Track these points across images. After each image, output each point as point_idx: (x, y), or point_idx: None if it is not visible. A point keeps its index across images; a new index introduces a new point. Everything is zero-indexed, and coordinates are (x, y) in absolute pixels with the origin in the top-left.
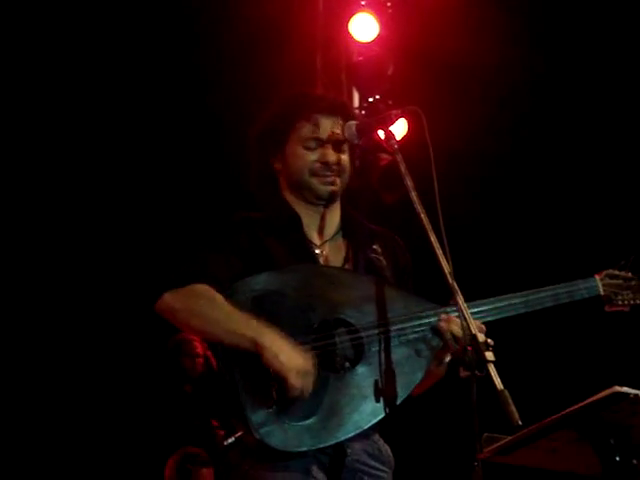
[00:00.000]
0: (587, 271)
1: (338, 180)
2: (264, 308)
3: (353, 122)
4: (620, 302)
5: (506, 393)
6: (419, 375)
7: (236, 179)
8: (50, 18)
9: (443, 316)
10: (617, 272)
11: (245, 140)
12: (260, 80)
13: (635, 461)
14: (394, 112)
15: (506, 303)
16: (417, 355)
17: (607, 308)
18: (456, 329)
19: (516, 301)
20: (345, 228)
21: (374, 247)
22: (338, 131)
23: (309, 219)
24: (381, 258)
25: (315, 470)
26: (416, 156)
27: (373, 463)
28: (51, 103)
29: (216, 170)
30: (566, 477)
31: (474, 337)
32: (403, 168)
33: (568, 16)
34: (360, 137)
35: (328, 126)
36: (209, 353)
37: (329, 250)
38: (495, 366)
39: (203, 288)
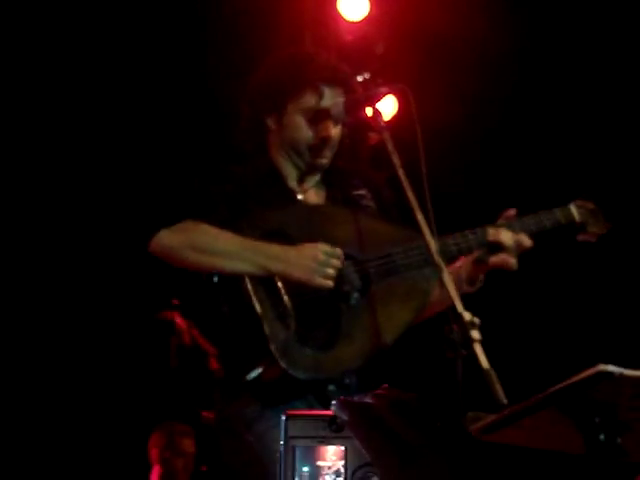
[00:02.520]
0: None
1: (330, 153)
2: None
3: (341, 99)
4: (590, 231)
5: (492, 372)
6: (424, 301)
7: (227, 155)
8: (55, 18)
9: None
10: (583, 202)
11: (239, 90)
12: (248, 58)
13: (619, 440)
14: (382, 90)
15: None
16: (420, 283)
17: (580, 237)
18: (507, 238)
19: (501, 223)
20: (325, 175)
21: (354, 183)
22: (339, 103)
23: (291, 171)
24: (362, 193)
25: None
26: (405, 134)
27: None
28: (51, 97)
29: (207, 148)
30: (551, 455)
31: (460, 316)
32: (390, 146)
33: None
34: (348, 114)
35: (330, 97)
36: (195, 332)
37: (311, 196)
38: (481, 345)
39: (201, 223)
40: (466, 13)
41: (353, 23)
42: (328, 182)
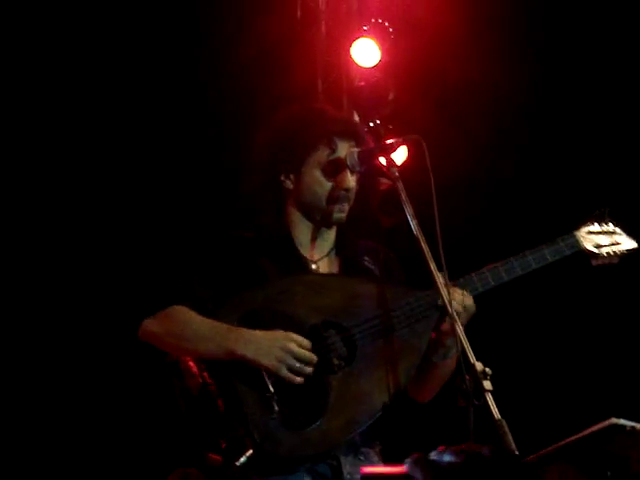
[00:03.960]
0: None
1: (348, 206)
2: (252, 326)
3: (355, 149)
4: (606, 255)
5: (503, 422)
6: (415, 360)
7: (235, 198)
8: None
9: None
10: (596, 225)
11: (250, 145)
12: (261, 102)
13: None
14: (396, 140)
15: (490, 273)
16: (411, 340)
17: (593, 263)
18: (457, 300)
19: (501, 269)
20: (338, 245)
21: (366, 259)
22: (354, 153)
23: (307, 237)
24: (373, 267)
25: None
26: (415, 182)
27: None
28: (61, 108)
29: (216, 189)
30: None
31: (472, 366)
32: (404, 195)
33: (571, 41)
34: (362, 164)
35: (343, 149)
36: (205, 374)
37: (324, 266)
38: (492, 395)
39: (181, 309)
40: (478, 61)
41: (365, 69)
42: (342, 253)
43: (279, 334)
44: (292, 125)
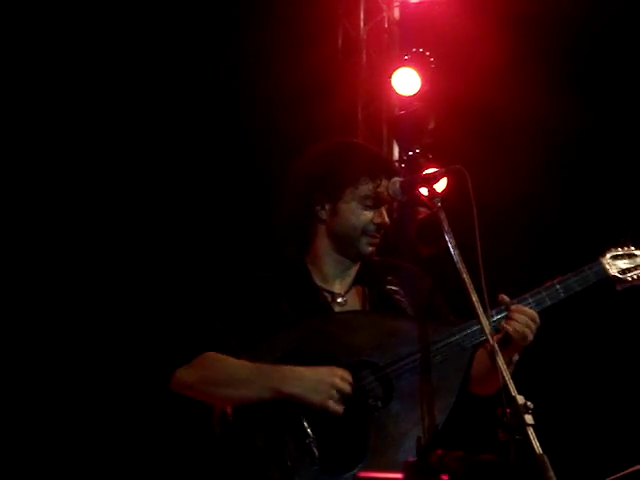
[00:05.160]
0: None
1: (378, 242)
2: None
3: (397, 179)
4: (631, 279)
5: (545, 458)
6: (451, 398)
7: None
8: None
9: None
10: (621, 250)
11: (287, 176)
12: (302, 131)
13: None
14: (439, 170)
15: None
16: (447, 378)
17: (619, 287)
18: (520, 325)
19: (530, 300)
20: (362, 273)
21: (389, 279)
22: (396, 182)
23: (332, 270)
24: (397, 288)
25: None
26: (454, 212)
27: None
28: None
29: (256, 219)
30: None
31: (513, 399)
32: (446, 226)
33: (614, 67)
34: (404, 194)
35: (384, 186)
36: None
37: (350, 299)
38: (534, 429)
39: (213, 355)
40: (519, 90)
41: (406, 98)
42: (363, 279)
43: (323, 370)
44: (333, 156)
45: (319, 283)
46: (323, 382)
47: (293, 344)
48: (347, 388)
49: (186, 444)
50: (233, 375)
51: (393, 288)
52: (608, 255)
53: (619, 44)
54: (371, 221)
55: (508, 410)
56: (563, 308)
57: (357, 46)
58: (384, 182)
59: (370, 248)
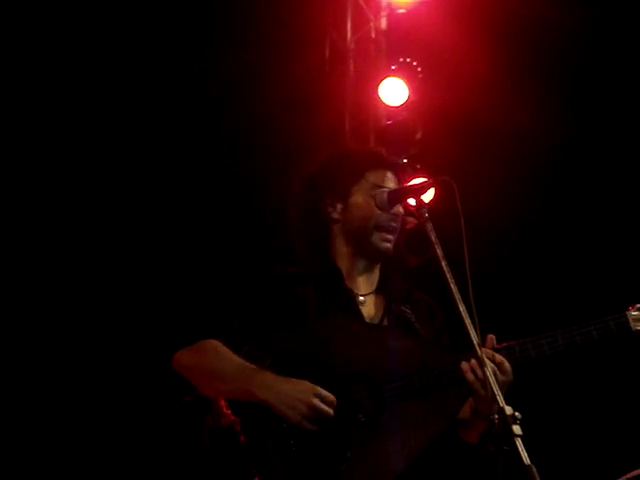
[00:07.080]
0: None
1: (394, 237)
2: (282, 369)
3: (384, 190)
4: None
5: (533, 469)
6: (441, 428)
7: (267, 239)
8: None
9: (470, 362)
10: None
11: (291, 184)
12: (290, 141)
13: None
14: (427, 181)
15: (533, 344)
16: (442, 406)
17: None
18: (479, 372)
19: (543, 342)
20: (382, 284)
21: (404, 298)
22: (384, 195)
23: (354, 270)
24: (409, 311)
25: None
26: (443, 222)
27: None
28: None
29: (248, 231)
30: None
31: (502, 410)
32: (433, 237)
33: (601, 78)
34: (391, 205)
35: (392, 182)
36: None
37: (370, 302)
38: (522, 440)
39: (214, 344)
40: (506, 101)
41: (393, 108)
42: (384, 288)
43: (304, 386)
44: (336, 158)
45: (345, 282)
46: (299, 400)
47: (295, 344)
48: (326, 410)
49: (175, 450)
50: (223, 369)
51: (407, 311)
52: (636, 306)
53: (607, 56)
54: (384, 216)
55: (496, 421)
56: (556, 317)
57: (344, 56)
58: (388, 174)
59: (385, 244)
